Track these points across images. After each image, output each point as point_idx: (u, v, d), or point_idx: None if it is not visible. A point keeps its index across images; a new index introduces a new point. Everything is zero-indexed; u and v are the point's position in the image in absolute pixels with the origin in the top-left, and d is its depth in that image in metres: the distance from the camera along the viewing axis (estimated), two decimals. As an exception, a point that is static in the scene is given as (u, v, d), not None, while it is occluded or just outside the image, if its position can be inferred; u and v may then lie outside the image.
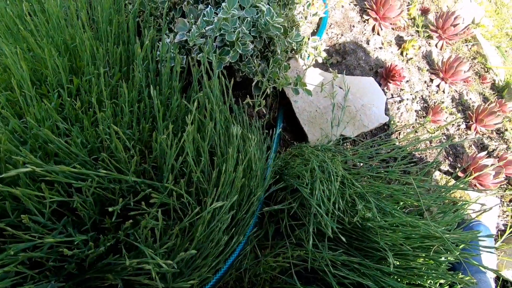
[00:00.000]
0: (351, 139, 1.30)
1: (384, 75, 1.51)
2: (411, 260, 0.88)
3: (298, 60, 1.35)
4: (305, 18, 1.40)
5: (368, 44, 1.61)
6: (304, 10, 1.39)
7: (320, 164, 0.99)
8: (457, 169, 1.41)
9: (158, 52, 1.02)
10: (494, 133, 1.58)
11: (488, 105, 1.49)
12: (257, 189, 0.94)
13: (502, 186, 1.44)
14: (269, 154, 1.11)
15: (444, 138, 1.51)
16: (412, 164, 1.16)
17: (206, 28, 1.01)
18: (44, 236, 0.61)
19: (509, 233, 1.27)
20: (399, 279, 0.90)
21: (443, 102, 1.58)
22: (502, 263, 1.20)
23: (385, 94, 1.49)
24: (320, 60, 1.49)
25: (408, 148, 1.19)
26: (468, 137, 1.53)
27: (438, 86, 1.61)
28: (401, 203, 1.05)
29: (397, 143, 1.30)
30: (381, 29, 1.65)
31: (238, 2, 1.00)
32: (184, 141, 0.74)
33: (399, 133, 1.45)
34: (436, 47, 1.74)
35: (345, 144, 1.33)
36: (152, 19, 1.13)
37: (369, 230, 0.93)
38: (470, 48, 1.85)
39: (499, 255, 1.24)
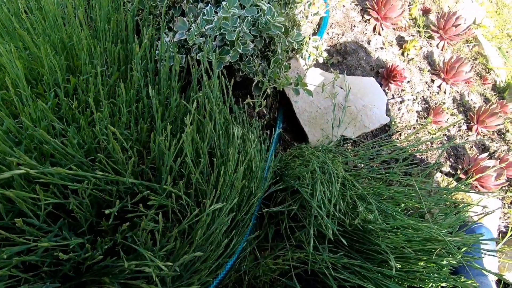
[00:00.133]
0: (352, 140, 1.29)
1: (385, 75, 1.50)
2: (413, 263, 0.87)
3: (298, 60, 1.33)
4: (306, 17, 1.39)
5: (369, 44, 1.60)
6: (305, 9, 1.37)
7: (321, 165, 0.97)
8: (458, 171, 1.40)
9: (157, 51, 1.01)
10: (495, 134, 1.58)
11: (489, 106, 1.48)
12: (257, 190, 0.93)
13: (504, 188, 1.43)
14: (268, 154, 1.10)
15: (445, 139, 1.50)
16: (413, 166, 1.15)
17: (206, 27, 1.00)
18: (39, 240, 0.59)
19: (510, 235, 1.26)
20: (400, 282, 0.89)
21: (444, 103, 1.57)
22: (504, 265, 1.20)
23: (386, 95, 1.48)
24: (321, 60, 1.48)
25: (409, 149, 1.17)
26: (469, 138, 1.52)
27: (439, 86, 1.60)
28: (402, 205, 1.04)
29: (398, 144, 1.28)
30: (382, 29, 1.64)
31: (239, 1, 0.99)
32: (183, 142, 0.73)
33: (400, 134, 1.44)
34: (437, 47, 1.73)
35: (345, 145, 1.31)
36: (151, 18, 1.12)
37: (370, 233, 0.92)
38: (471, 49, 1.84)
39: (500, 258, 1.23)
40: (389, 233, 0.89)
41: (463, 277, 0.90)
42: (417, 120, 1.49)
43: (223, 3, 0.96)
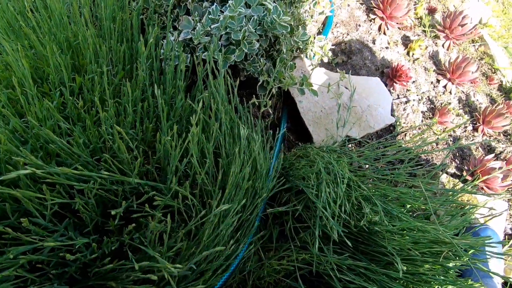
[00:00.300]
0: (357, 140, 1.28)
1: (390, 75, 1.49)
2: (419, 266, 0.86)
3: (303, 60, 1.33)
4: (311, 16, 1.38)
5: (374, 43, 1.59)
6: (310, 8, 1.36)
7: (326, 166, 0.97)
8: (464, 172, 1.39)
9: (162, 50, 1.00)
10: (502, 135, 1.56)
11: (496, 107, 1.46)
12: (261, 190, 0.92)
13: (510, 190, 1.41)
14: (273, 154, 1.09)
15: (450, 140, 1.49)
16: (418, 167, 1.14)
17: (212, 26, 0.99)
18: (45, 239, 0.59)
19: (516, 238, 1.25)
20: (405, 285, 0.88)
21: (450, 103, 1.55)
22: (510, 268, 1.19)
23: (391, 95, 1.47)
24: (326, 60, 1.47)
25: (414, 150, 1.16)
26: (475, 139, 1.51)
27: (445, 87, 1.58)
28: (408, 206, 1.03)
29: (403, 145, 1.27)
30: (388, 29, 1.62)
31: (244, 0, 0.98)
32: (189, 142, 0.72)
33: (405, 135, 1.43)
34: (443, 47, 1.71)
35: (350, 145, 1.31)
36: (156, 17, 1.11)
37: (376, 234, 0.91)
38: (477, 49, 1.83)
39: (506, 260, 1.22)
40: (396, 235, 0.89)
41: (470, 280, 0.89)
42: (422, 121, 1.48)
43: (230, 2, 0.96)
